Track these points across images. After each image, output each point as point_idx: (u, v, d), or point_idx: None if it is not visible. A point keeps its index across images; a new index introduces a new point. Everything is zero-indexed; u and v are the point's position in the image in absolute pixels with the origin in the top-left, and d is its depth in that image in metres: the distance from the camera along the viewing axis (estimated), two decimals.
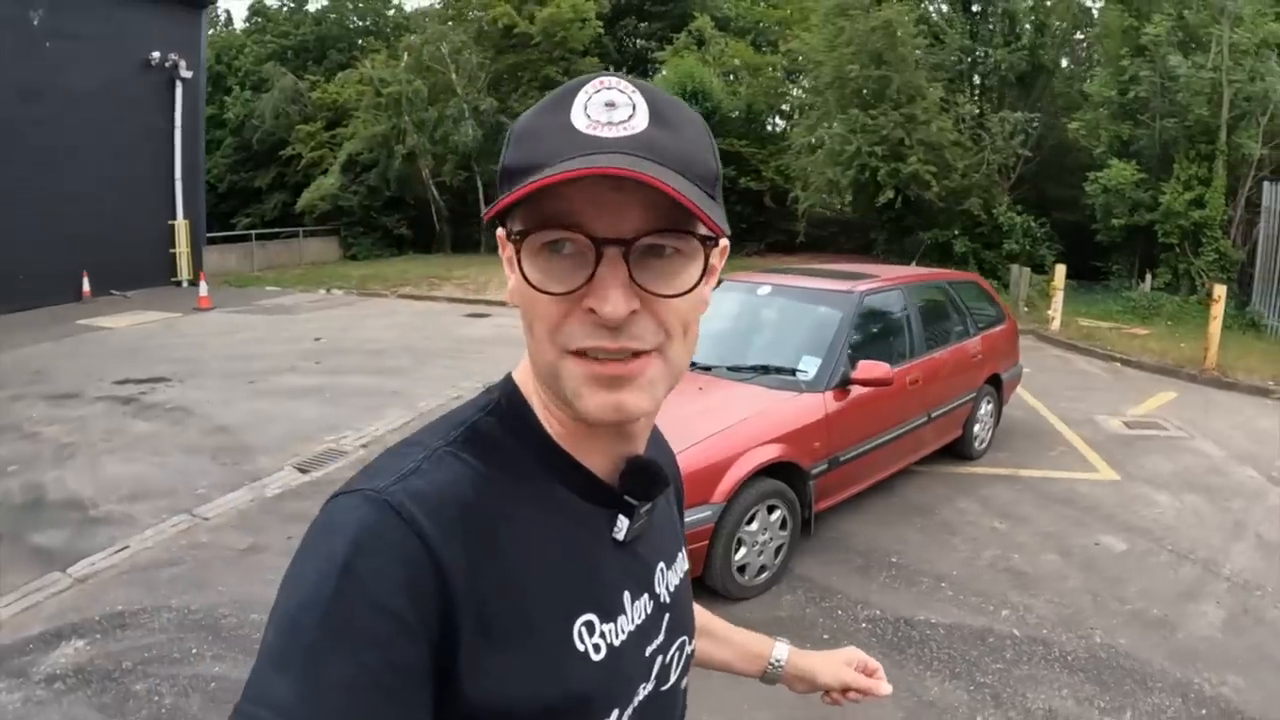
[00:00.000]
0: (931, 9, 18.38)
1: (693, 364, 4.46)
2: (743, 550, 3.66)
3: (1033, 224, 16.07)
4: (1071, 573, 4.28)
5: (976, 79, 18.50)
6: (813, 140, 17.83)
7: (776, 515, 3.82)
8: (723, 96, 21.81)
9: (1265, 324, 11.30)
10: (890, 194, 15.89)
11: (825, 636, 3.52)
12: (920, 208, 16.57)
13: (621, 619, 0.70)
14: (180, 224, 16.92)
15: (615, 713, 0.69)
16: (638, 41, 27.48)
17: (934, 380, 5.10)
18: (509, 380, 0.72)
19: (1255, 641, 3.63)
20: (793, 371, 4.30)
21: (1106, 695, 3.20)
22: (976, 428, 5.91)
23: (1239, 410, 7.77)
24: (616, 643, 0.69)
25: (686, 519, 3.24)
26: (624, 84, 0.62)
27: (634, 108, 0.61)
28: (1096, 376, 9.21)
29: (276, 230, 23.46)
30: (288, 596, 0.58)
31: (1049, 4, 17.19)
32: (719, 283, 4.08)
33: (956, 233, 16.51)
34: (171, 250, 16.83)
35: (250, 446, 6.16)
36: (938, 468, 5.68)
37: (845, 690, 1.10)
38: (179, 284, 16.67)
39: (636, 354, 0.62)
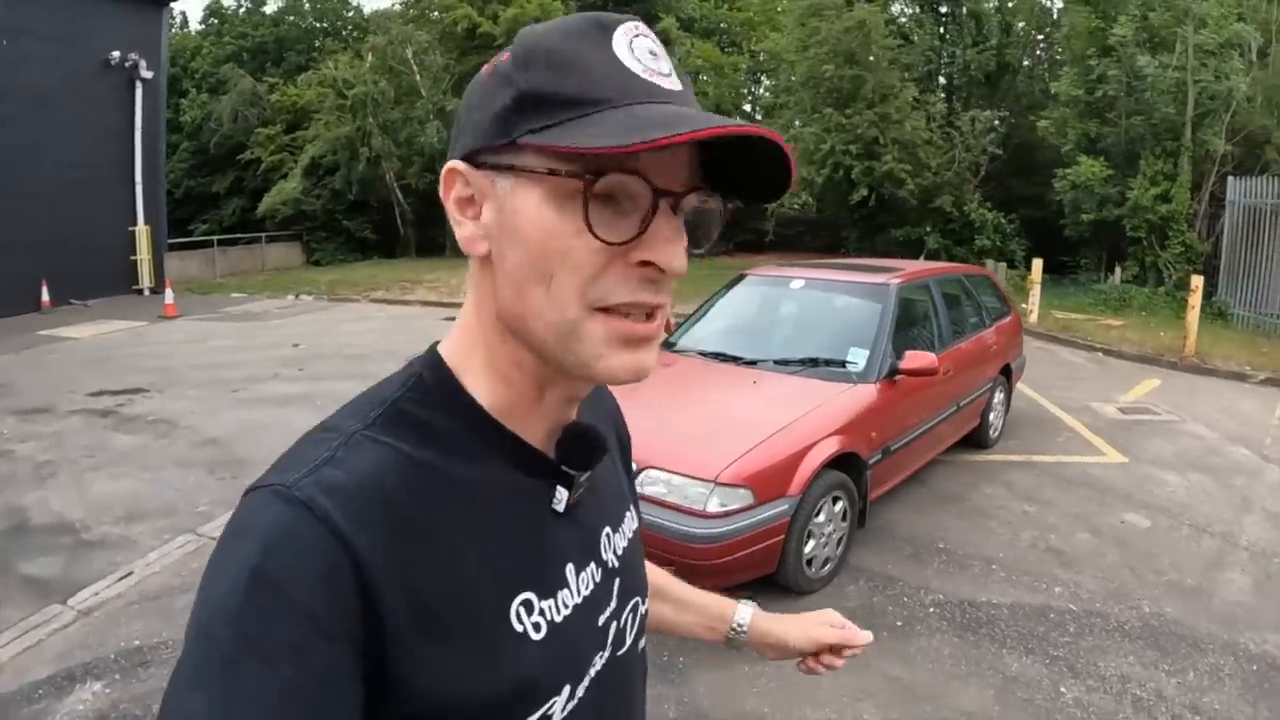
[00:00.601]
0: (898, 9, 18.80)
1: (736, 358, 4.57)
2: (811, 543, 3.72)
3: (1002, 220, 16.54)
4: (1107, 549, 4.47)
5: (943, 79, 18.97)
6: (785, 138, 18.04)
7: (839, 506, 3.90)
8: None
9: (1232, 313, 11.81)
10: (864, 192, 16.21)
11: (898, 624, 3.61)
12: (893, 205, 16.93)
13: (563, 593, 0.67)
14: (141, 230, 16.44)
15: (567, 689, 0.66)
16: None
17: (961, 370, 5.25)
18: (432, 353, 0.67)
19: None
20: (842, 363, 4.39)
21: (1168, 659, 3.38)
22: (992, 416, 6.09)
23: (1221, 395, 8.14)
24: (559, 619, 0.66)
25: (765, 514, 3.38)
26: (652, 34, 0.61)
27: (668, 62, 0.61)
28: (1082, 366, 9.53)
29: (237, 236, 22.92)
30: (200, 607, 0.53)
31: (1012, 5, 17.71)
32: (741, 277, 4.23)
33: (928, 229, 16.91)
34: (132, 257, 16.34)
35: (246, 459, 5.85)
36: (957, 456, 5.84)
37: (819, 654, 1.05)
38: (140, 292, 16.20)
39: (652, 313, 0.61)
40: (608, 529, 0.75)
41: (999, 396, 6.21)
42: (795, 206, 19.55)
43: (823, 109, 16.83)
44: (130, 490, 5.30)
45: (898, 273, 5.28)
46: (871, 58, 16.23)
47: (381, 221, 24.05)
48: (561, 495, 0.67)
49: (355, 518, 0.55)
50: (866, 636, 1.05)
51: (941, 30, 18.16)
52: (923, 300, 5.18)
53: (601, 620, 0.72)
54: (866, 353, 4.39)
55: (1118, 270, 13.97)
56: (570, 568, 0.68)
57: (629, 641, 0.78)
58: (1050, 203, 15.45)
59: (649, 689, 2.57)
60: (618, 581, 0.75)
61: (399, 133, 22.40)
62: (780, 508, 3.47)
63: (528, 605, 0.63)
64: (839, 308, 4.90)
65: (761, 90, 26.27)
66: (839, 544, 3.97)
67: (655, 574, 1.00)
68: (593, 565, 0.71)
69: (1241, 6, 12.61)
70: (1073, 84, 14.12)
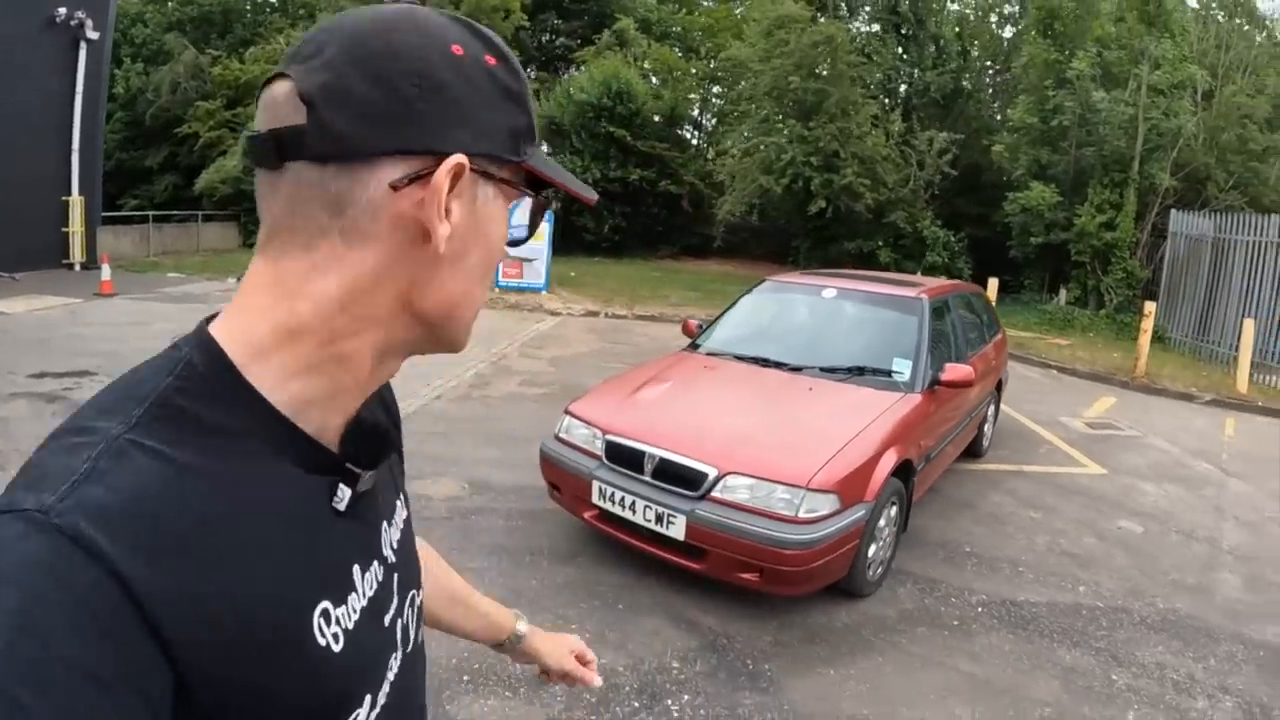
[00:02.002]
0: (858, 27, 19.42)
1: (780, 363, 4.77)
2: (873, 547, 3.90)
3: (951, 238, 17.31)
4: (1114, 552, 4.86)
5: (902, 98, 19.69)
6: (746, 147, 18.47)
7: (895, 512, 4.13)
8: (646, 99, 22.20)
9: (1169, 337, 12.71)
10: (822, 203, 16.69)
11: (954, 623, 3.85)
12: (847, 218, 17.49)
13: (353, 597, 0.64)
14: (75, 201, 15.51)
15: (368, 699, 0.64)
16: (559, 40, 27.44)
17: (976, 383, 5.58)
18: (204, 335, 0.59)
19: (1272, 599, 4.41)
20: (888, 373, 4.64)
21: (1190, 649, 3.78)
22: (986, 428, 6.47)
23: (1174, 413, 8.80)
24: (351, 625, 0.62)
25: (848, 519, 3.60)
26: None
27: None
28: (1040, 382, 10.12)
29: (171, 213, 21.92)
30: None
31: (970, 32, 18.54)
32: (760, 282, 4.53)
33: (880, 244, 17.55)
34: (64, 229, 15.45)
35: None
36: (957, 466, 6.17)
37: (563, 676, 1.19)
38: (71, 267, 15.33)
39: None
40: (385, 522, 0.72)
41: (991, 409, 6.60)
42: (736, 215, 19.96)
43: (786, 120, 17.26)
44: None
45: (920, 287, 5.57)
46: (836, 73, 16.72)
47: None
48: (344, 494, 0.63)
49: (129, 547, 0.48)
50: (597, 681, 1.20)
51: (901, 51, 18.87)
52: (944, 315, 5.47)
53: (388, 620, 0.70)
54: (910, 363, 4.65)
55: (1062, 291, 14.84)
56: (356, 569, 0.65)
57: (414, 637, 0.77)
58: (996, 223, 16.27)
59: (746, 700, 2.85)
60: (396, 577, 0.73)
61: None
62: (859, 513, 3.63)
63: (326, 616, 0.60)
64: (875, 319, 5.14)
65: (713, 99, 26.67)
66: (891, 548, 4.19)
67: (452, 579, 1.08)
68: (375, 564, 0.68)
69: (1194, 50, 13.60)
70: (1028, 111, 14.94)
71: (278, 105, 0.57)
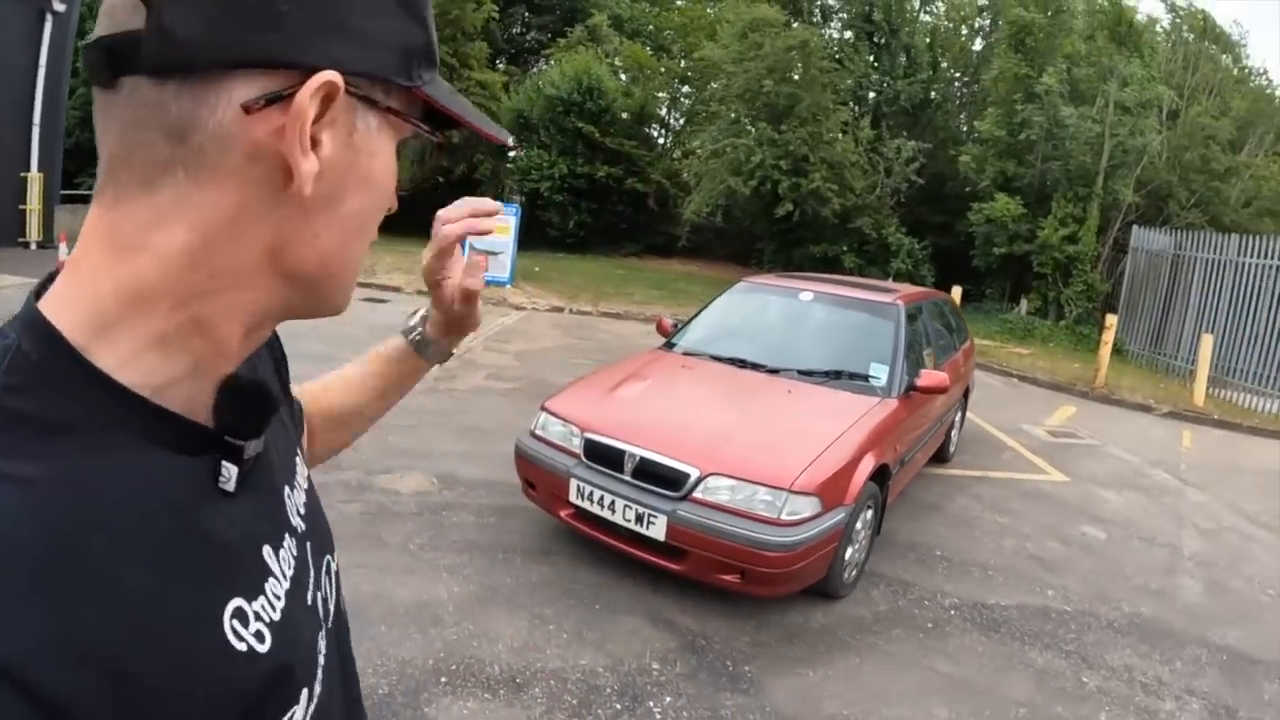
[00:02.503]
0: (831, 33, 19.61)
1: (758, 365, 4.76)
2: (849, 550, 3.90)
3: (916, 246, 17.56)
4: (1078, 556, 4.96)
5: (871, 105, 19.92)
6: (713, 148, 18.52)
7: (870, 515, 4.14)
8: (616, 96, 22.14)
9: (1127, 349, 13.03)
10: (789, 207, 16.79)
11: (929, 625, 3.88)
12: (813, 223, 17.63)
13: (271, 584, 0.55)
14: (34, 178, 15.03)
15: (304, 693, 0.56)
16: (529, 34, 27.25)
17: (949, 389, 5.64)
18: (33, 316, 0.48)
19: (1231, 604, 4.55)
20: (865, 378, 4.66)
21: (1157, 651, 3.87)
22: (954, 433, 6.55)
23: (1132, 423, 9.02)
24: (277, 615, 0.54)
25: (829, 522, 3.60)
26: None
27: None
28: (1001, 390, 10.29)
29: None
30: None
31: (942, 43, 18.83)
32: (736, 283, 4.54)
33: (845, 249, 17.72)
34: (21, 206, 14.93)
35: None
36: (924, 469, 6.24)
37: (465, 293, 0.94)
38: (27, 245, 14.84)
39: None
40: (286, 489, 0.64)
41: (959, 415, 6.68)
42: (702, 215, 20.02)
43: (757, 123, 17.34)
44: None
45: (895, 293, 5.62)
46: (808, 78, 16.84)
47: None
48: (230, 471, 0.53)
49: None
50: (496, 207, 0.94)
51: (873, 59, 19.09)
52: (918, 322, 5.52)
53: (310, 599, 0.62)
54: (887, 368, 4.67)
55: (1023, 302, 15.14)
56: (267, 550, 0.56)
57: (333, 607, 0.69)
58: (959, 232, 16.55)
59: (728, 701, 2.79)
60: (309, 546, 0.64)
61: None
62: (839, 516, 3.63)
63: (241, 616, 0.50)
64: (851, 323, 5.16)
65: (681, 97, 26.73)
66: (866, 551, 4.21)
67: (329, 394, 0.95)
68: (287, 537, 0.60)
69: (1161, 70, 13.98)
70: (996, 124, 15.22)
71: (115, 8, 0.47)
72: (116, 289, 0.48)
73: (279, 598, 0.55)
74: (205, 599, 0.49)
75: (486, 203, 0.91)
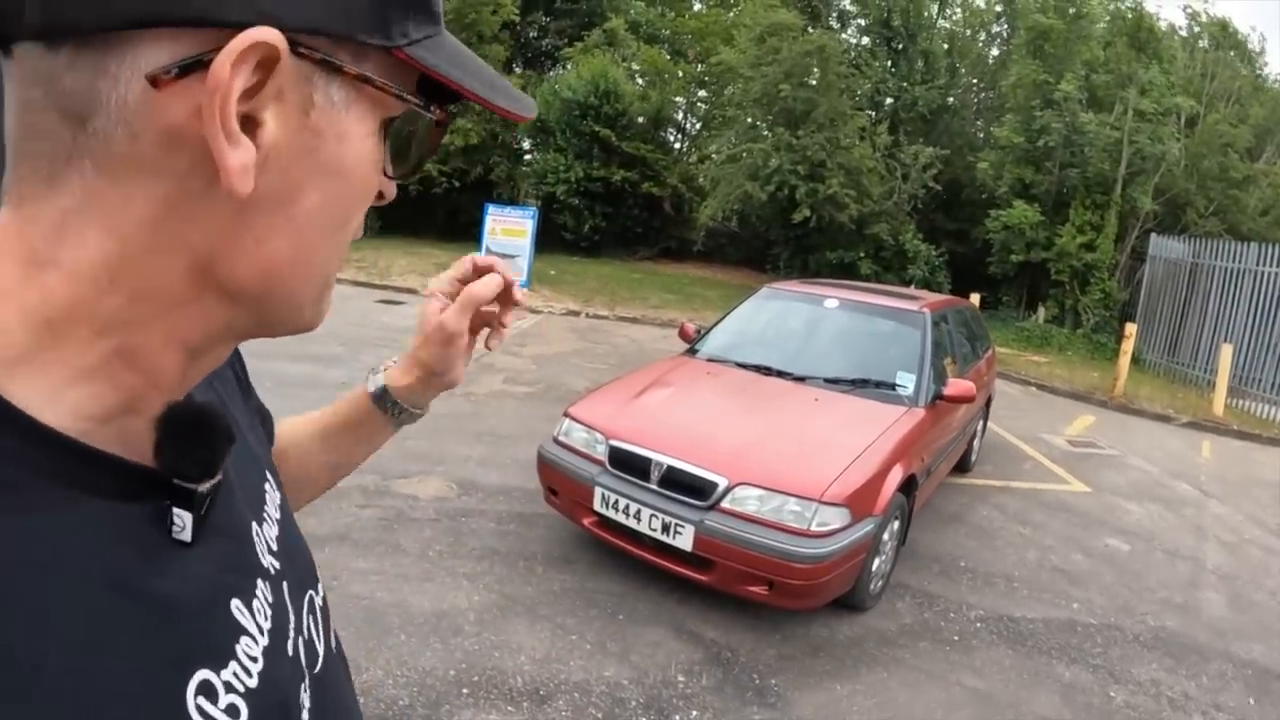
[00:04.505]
0: (849, 39, 19.57)
1: (783, 373, 4.73)
2: (876, 561, 3.86)
3: (933, 253, 17.49)
4: (1102, 569, 4.91)
5: (888, 110, 19.87)
6: (730, 152, 18.49)
7: (897, 526, 4.11)
8: (633, 100, 22.12)
9: (1145, 359, 12.94)
10: (806, 212, 16.75)
11: (955, 638, 3.85)
12: (829, 228, 17.57)
13: (245, 642, 0.47)
14: None
15: None
16: (546, 39, 27.30)
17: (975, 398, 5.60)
18: None
19: (1255, 618, 4.53)
20: (892, 386, 4.62)
21: (1182, 666, 3.84)
22: (975, 442, 6.50)
23: (1150, 433, 8.94)
24: (253, 681, 0.46)
25: (858, 533, 3.57)
26: None
27: None
28: (1020, 399, 10.22)
29: None
30: None
31: (959, 49, 18.77)
32: (759, 289, 4.49)
33: (862, 255, 17.66)
34: None
35: None
36: (946, 478, 6.21)
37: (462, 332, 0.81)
38: None
39: None
40: (255, 525, 0.54)
41: (981, 424, 6.63)
42: (718, 220, 19.98)
43: (774, 128, 17.30)
44: None
45: (920, 300, 5.58)
46: (825, 82, 16.80)
47: None
48: (184, 519, 0.44)
49: None
50: (518, 294, 0.82)
51: (891, 64, 19.05)
52: (943, 330, 5.48)
53: (291, 649, 0.53)
54: (914, 377, 4.64)
55: (1041, 309, 15.05)
56: (236, 605, 0.47)
57: (321, 650, 0.60)
58: (975, 239, 16.47)
59: (755, 715, 2.71)
60: (287, 586, 0.55)
61: None
62: (868, 527, 3.59)
63: (208, 690, 0.42)
64: (877, 331, 5.13)
65: (697, 102, 26.72)
66: (891, 562, 4.18)
67: (308, 439, 0.85)
68: (260, 584, 0.51)
69: (1180, 77, 13.91)
70: (1014, 131, 15.15)
71: None
72: (24, 316, 0.39)
73: (255, 659, 0.47)
74: (160, 680, 0.40)
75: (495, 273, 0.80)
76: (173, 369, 0.44)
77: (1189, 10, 16.08)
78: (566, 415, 4.26)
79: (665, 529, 3.56)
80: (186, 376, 0.46)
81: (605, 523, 3.85)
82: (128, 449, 0.42)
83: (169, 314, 0.42)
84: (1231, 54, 15.84)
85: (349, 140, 0.43)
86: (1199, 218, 14.40)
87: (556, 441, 4.20)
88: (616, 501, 3.73)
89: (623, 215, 22.33)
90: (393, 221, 22.55)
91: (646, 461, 3.73)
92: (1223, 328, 11.61)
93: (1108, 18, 15.51)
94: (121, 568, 0.40)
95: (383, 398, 0.84)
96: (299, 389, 6.84)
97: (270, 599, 0.51)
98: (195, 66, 0.36)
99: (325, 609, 0.63)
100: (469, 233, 17.21)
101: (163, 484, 0.43)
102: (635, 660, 3.33)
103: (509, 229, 13.91)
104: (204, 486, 0.45)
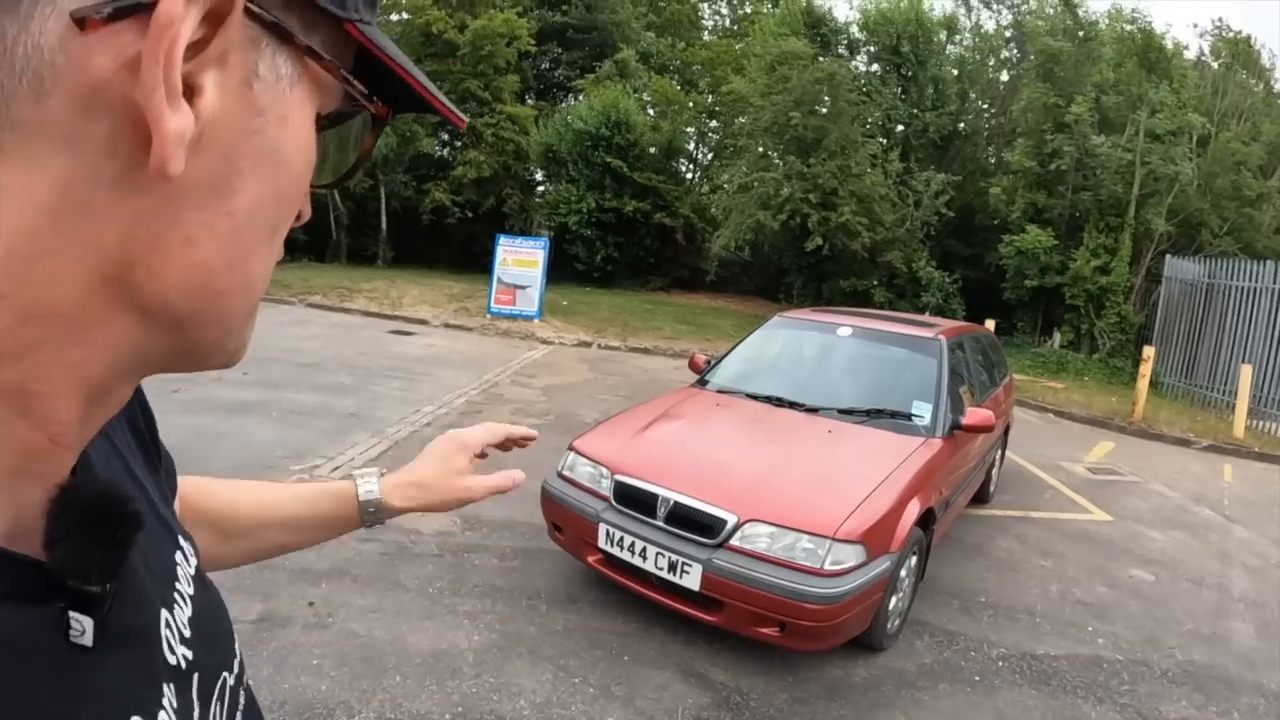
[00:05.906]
0: (858, 66, 19.66)
1: (795, 403, 4.63)
2: (894, 599, 3.73)
3: (946, 280, 17.38)
4: (1127, 600, 4.76)
5: (899, 136, 19.90)
6: (742, 181, 18.54)
7: (914, 561, 3.98)
8: (644, 130, 22.28)
9: (1163, 382, 12.72)
10: (819, 241, 16.71)
11: (976, 678, 3.70)
12: (842, 256, 17.52)
13: None
14: None
15: None
16: (558, 70, 27.62)
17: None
18: None
19: None
20: (908, 416, 4.51)
21: (1213, 702, 3.69)
22: (994, 472, 6.35)
23: (1171, 458, 8.75)
24: None
25: (874, 571, 3.45)
26: None
27: None
28: (1037, 426, 10.05)
29: None
30: None
31: (969, 74, 18.81)
32: (770, 318, 4.43)
33: (875, 283, 17.58)
34: None
35: (211, 473, 5.47)
36: (964, 509, 6.07)
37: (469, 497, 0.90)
38: None
39: None
40: (165, 613, 0.45)
41: (999, 452, 6.49)
42: (730, 249, 20.01)
43: (785, 156, 17.33)
44: None
45: (936, 328, 5.48)
46: (836, 110, 16.84)
47: (313, 223, 23.23)
48: (84, 624, 0.36)
49: None
50: (520, 469, 0.90)
51: (901, 91, 19.10)
52: (960, 357, 5.38)
53: None
54: (930, 406, 4.53)
55: (1056, 335, 14.89)
56: None
57: None
58: (989, 264, 16.36)
59: None
60: (197, 679, 0.47)
61: None
62: (884, 565, 3.46)
63: None
64: (892, 359, 5.02)
65: (709, 132, 26.90)
66: (909, 599, 4.04)
67: (238, 506, 0.81)
68: (167, 691, 0.43)
69: (1191, 96, 13.85)
70: (1026, 155, 15.10)
71: None
72: None
73: None
74: None
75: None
76: (67, 415, 0.34)
77: (1209, 29, 15.99)
78: (571, 448, 4.18)
79: (672, 568, 3.45)
80: (85, 426, 0.36)
81: (611, 560, 3.74)
82: (7, 537, 0.33)
83: (70, 340, 0.32)
84: (1243, 72, 15.77)
85: (290, 126, 0.36)
86: (1213, 237, 14.24)
87: (561, 476, 4.11)
88: (622, 539, 3.63)
89: (635, 245, 22.41)
90: (405, 253, 22.76)
91: (653, 497, 3.63)
92: (1241, 348, 11.41)
93: (1112, 38, 15.48)
94: (20, 685, 0.32)
95: (370, 508, 0.87)
96: (307, 418, 6.82)
97: (176, 705, 0.43)
98: (135, 8, 0.29)
99: (238, 686, 0.54)
100: (481, 264, 17.27)
101: (55, 583, 0.35)
102: (640, 705, 3.21)
103: (520, 260, 13.95)
104: (107, 588, 0.36)
